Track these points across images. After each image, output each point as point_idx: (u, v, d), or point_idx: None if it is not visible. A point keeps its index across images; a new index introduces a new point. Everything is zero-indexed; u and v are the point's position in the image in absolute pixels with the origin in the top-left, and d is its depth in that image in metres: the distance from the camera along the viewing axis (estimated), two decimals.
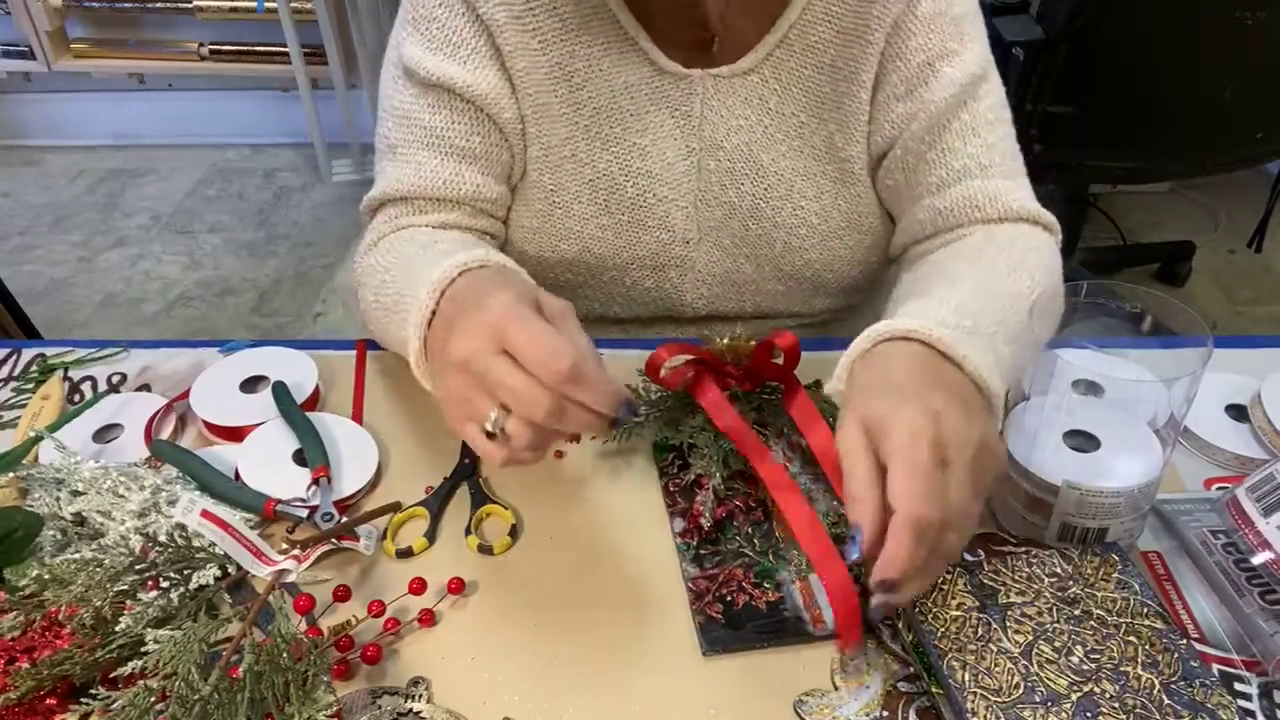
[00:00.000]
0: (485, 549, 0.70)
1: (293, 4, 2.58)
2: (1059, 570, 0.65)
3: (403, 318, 0.69)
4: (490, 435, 0.59)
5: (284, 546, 0.69)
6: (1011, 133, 0.87)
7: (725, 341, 0.79)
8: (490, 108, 0.83)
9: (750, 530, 0.72)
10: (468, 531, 0.72)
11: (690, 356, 0.79)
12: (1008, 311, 0.72)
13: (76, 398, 0.85)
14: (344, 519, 0.71)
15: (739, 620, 0.66)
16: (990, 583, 0.64)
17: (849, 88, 0.85)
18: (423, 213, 0.86)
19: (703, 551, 0.70)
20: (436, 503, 0.74)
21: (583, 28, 0.83)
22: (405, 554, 0.70)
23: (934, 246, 0.86)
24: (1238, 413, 0.82)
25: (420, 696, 0.61)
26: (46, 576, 0.62)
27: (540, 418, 0.57)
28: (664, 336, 0.96)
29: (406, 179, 0.85)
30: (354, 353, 0.88)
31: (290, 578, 0.67)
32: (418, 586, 0.66)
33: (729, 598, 0.67)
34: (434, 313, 0.66)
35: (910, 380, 0.62)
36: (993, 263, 0.78)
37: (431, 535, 0.72)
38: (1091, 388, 0.67)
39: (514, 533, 0.72)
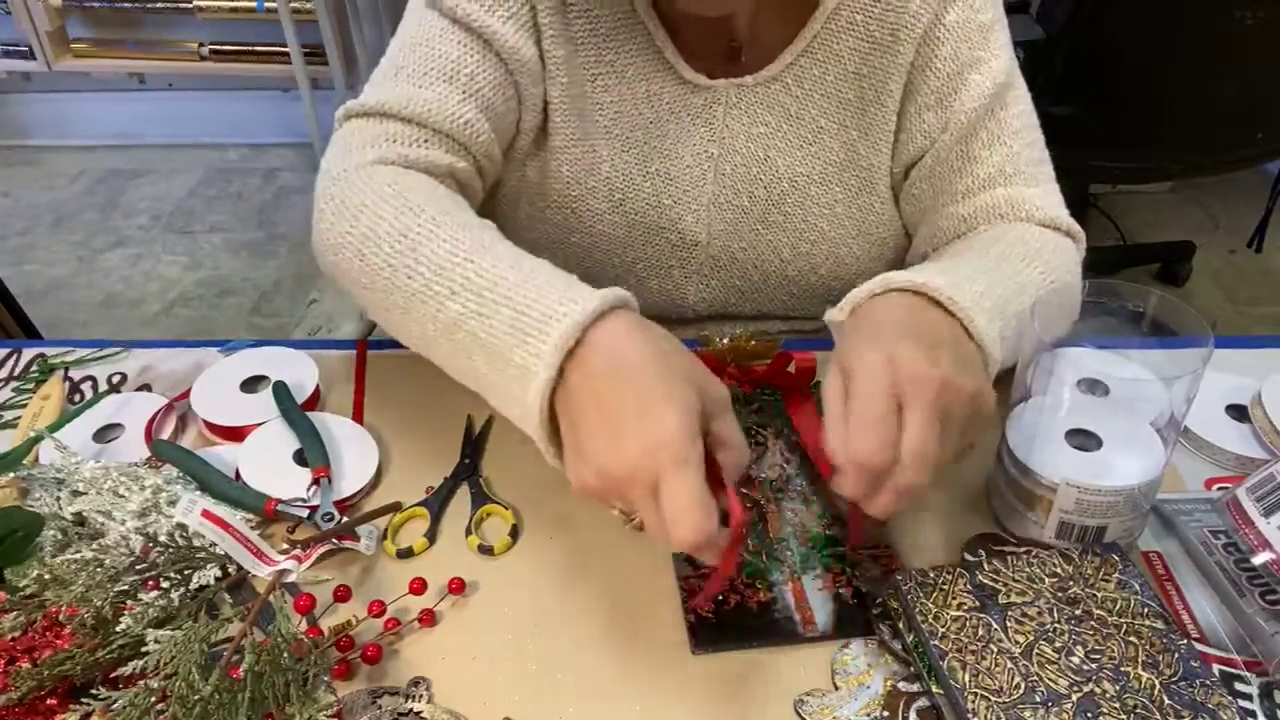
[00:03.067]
0: (486, 549, 0.70)
1: (293, 4, 2.58)
2: (1059, 570, 0.65)
3: (498, 339, 0.61)
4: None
5: (284, 546, 0.69)
6: (1039, 139, 0.87)
7: (726, 342, 0.79)
8: (520, 73, 0.80)
9: (744, 531, 0.72)
10: (468, 531, 0.72)
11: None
12: (1017, 292, 0.72)
13: (77, 398, 0.85)
14: (344, 519, 0.71)
15: (730, 620, 0.66)
16: (990, 583, 0.64)
17: (876, 96, 0.85)
18: (422, 145, 0.77)
19: None
20: (437, 503, 0.74)
21: (611, 34, 0.83)
22: (406, 554, 0.70)
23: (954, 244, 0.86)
24: (1238, 413, 0.82)
25: (420, 696, 0.61)
26: (47, 576, 0.62)
27: (669, 549, 0.65)
28: None
29: (419, 102, 0.77)
30: (354, 353, 0.88)
31: (291, 578, 0.67)
32: (418, 586, 0.66)
33: (721, 597, 0.67)
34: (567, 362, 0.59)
35: (886, 327, 0.64)
36: (1007, 248, 0.78)
37: (432, 535, 0.72)
38: (1096, 386, 0.67)
39: (514, 533, 0.72)
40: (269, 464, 0.75)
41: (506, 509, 0.73)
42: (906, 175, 0.89)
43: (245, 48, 2.82)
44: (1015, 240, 0.79)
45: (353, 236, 0.71)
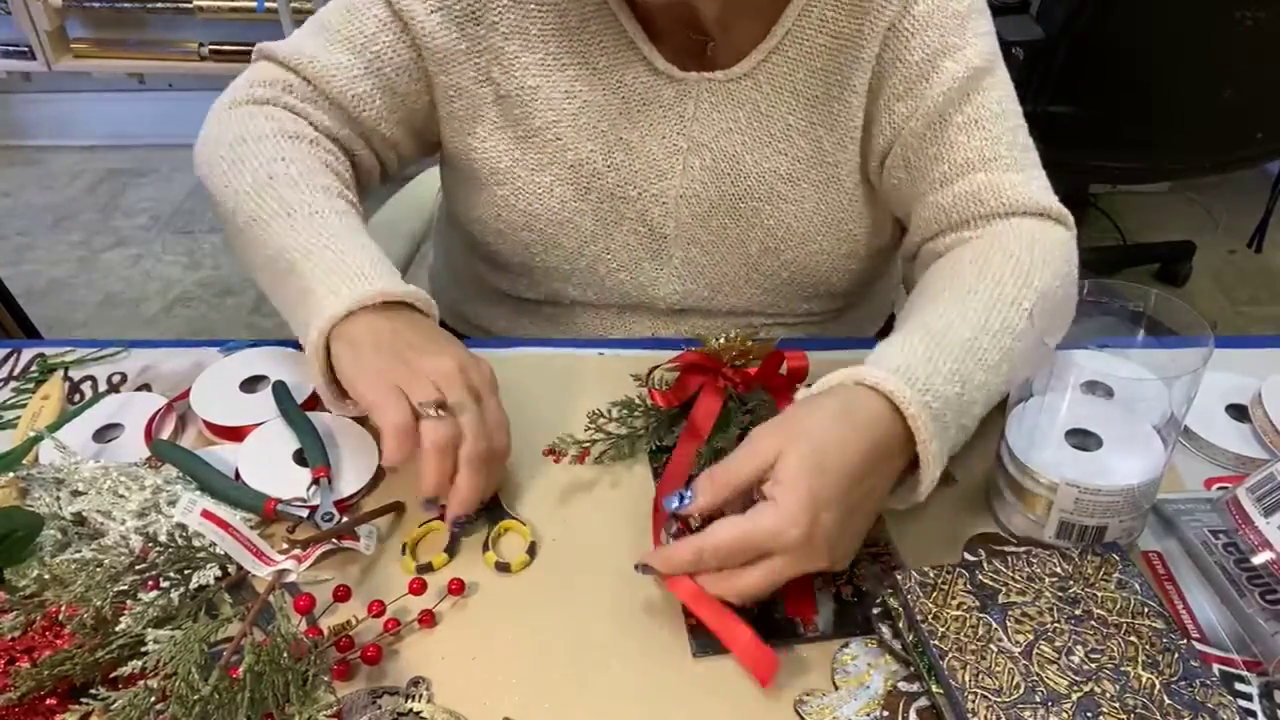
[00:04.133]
0: (503, 566, 0.69)
1: (293, 4, 2.58)
2: (1059, 570, 0.65)
3: (298, 281, 0.74)
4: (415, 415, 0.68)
5: (284, 546, 0.69)
6: (1022, 126, 0.86)
7: (721, 341, 0.79)
8: (431, 61, 0.84)
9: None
10: (485, 548, 0.71)
11: (689, 362, 0.80)
12: (999, 368, 0.71)
13: (76, 398, 0.84)
14: (344, 519, 0.71)
15: None
16: (990, 583, 0.64)
17: (840, 93, 0.85)
18: (313, 104, 0.86)
19: None
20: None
21: (581, 26, 0.83)
22: (425, 569, 0.69)
23: (943, 245, 0.85)
24: (1238, 413, 0.82)
25: (420, 696, 0.61)
26: (47, 576, 0.62)
27: (467, 443, 0.68)
28: (663, 339, 0.96)
29: (320, 64, 0.85)
30: None
31: (290, 578, 0.67)
32: (417, 587, 0.66)
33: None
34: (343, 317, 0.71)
35: (839, 446, 0.63)
36: (998, 284, 0.75)
37: (452, 550, 0.70)
38: (1099, 388, 0.67)
39: (532, 550, 0.71)
40: (269, 464, 0.75)
41: (524, 525, 0.72)
42: (884, 167, 0.88)
43: (245, 48, 2.80)
44: (1001, 269, 0.77)
45: (224, 160, 0.82)
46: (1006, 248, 0.79)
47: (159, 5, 2.77)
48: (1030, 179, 0.84)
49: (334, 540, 0.69)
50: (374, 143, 0.89)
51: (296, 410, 0.78)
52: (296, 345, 0.88)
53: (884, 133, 0.85)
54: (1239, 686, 0.61)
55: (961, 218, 0.84)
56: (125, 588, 0.63)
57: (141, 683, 0.57)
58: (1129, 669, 0.59)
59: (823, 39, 0.83)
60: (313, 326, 0.71)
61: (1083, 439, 0.69)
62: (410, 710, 0.60)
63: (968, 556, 0.70)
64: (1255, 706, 0.60)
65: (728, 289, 0.94)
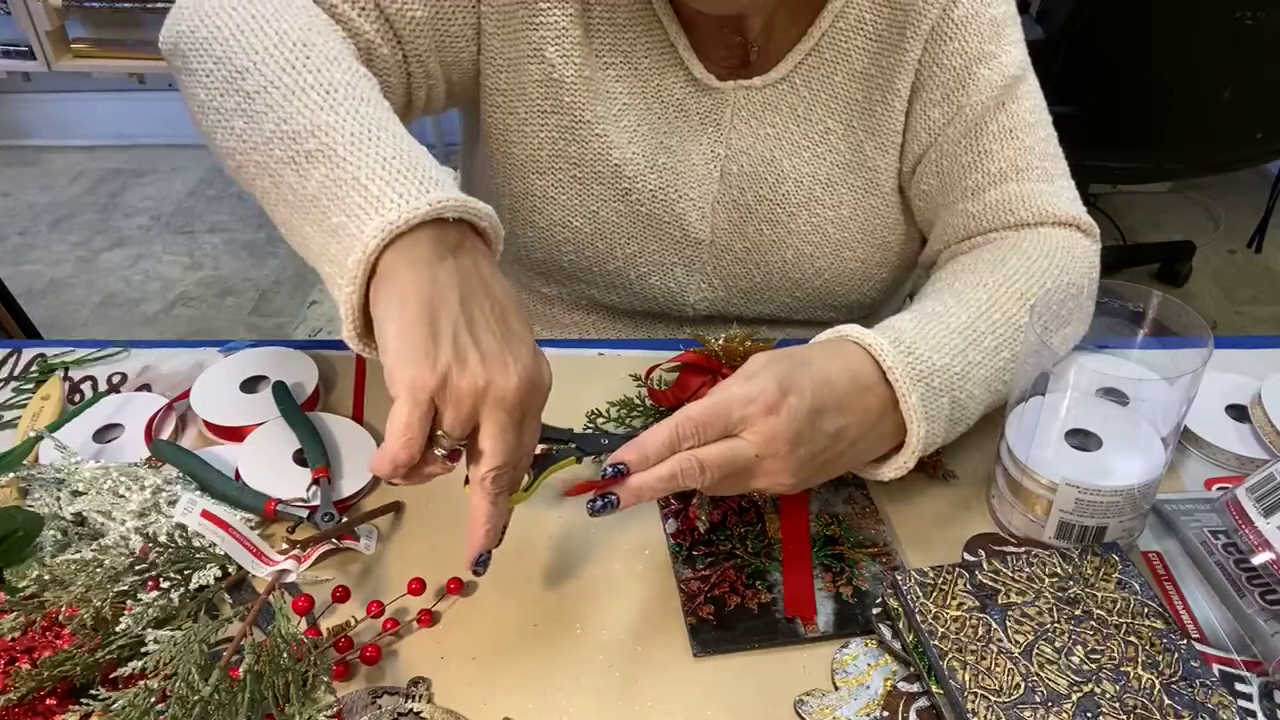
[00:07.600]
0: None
1: None
2: (1059, 570, 0.65)
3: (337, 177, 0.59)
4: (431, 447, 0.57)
5: (284, 546, 0.69)
6: (1052, 134, 0.86)
7: (720, 342, 0.79)
8: (489, 17, 0.81)
9: (743, 532, 0.72)
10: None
11: (688, 362, 0.80)
12: (997, 352, 0.72)
13: (76, 398, 0.84)
14: (344, 519, 0.71)
15: (731, 622, 0.66)
16: (990, 583, 0.64)
17: (883, 96, 0.84)
18: (359, 11, 0.75)
19: (695, 553, 0.70)
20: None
21: (628, 25, 0.83)
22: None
23: (967, 248, 0.86)
24: (1238, 413, 0.82)
25: (420, 696, 0.61)
26: (47, 577, 0.62)
27: (493, 475, 0.58)
28: (662, 339, 0.96)
29: None
30: (354, 353, 0.88)
31: (290, 578, 0.67)
32: (416, 587, 0.66)
33: (722, 599, 0.67)
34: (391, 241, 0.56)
35: (825, 366, 0.65)
36: (1008, 281, 0.76)
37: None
38: (1106, 391, 0.67)
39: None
40: (269, 464, 0.75)
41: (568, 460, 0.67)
42: (915, 173, 0.88)
43: None
44: (1015, 268, 0.77)
45: (235, 11, 0.70)
46: (1026, 251, 0.80)
47: (159, 5, 2.77)
48: (1060, 189, 0.85)
49: (334, 540, 0.69)
50: (414, 75, 0.81)
51: (296, 410, 0.78)
52: (296, 345, 0.88)
53: (919, 138, 0.85)
54: (1239, 686, 0.61)
55: (990, 225, 0.84)
56: (125, 588, 0.63)
57: (141, 683, 0.57)
58: (1129, 669, 0.59)
59: (861, 40, 0.83)
60: (366, 231, 0.56)
61: (1083, 439, 0.69)
62: (410, 710, 0.60)
63: (968, 556, 0.70)
64: (1255, 706, 0.60)
65: (758, 295, 0.94)
